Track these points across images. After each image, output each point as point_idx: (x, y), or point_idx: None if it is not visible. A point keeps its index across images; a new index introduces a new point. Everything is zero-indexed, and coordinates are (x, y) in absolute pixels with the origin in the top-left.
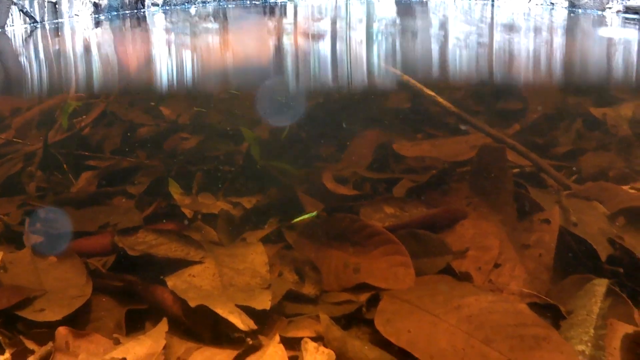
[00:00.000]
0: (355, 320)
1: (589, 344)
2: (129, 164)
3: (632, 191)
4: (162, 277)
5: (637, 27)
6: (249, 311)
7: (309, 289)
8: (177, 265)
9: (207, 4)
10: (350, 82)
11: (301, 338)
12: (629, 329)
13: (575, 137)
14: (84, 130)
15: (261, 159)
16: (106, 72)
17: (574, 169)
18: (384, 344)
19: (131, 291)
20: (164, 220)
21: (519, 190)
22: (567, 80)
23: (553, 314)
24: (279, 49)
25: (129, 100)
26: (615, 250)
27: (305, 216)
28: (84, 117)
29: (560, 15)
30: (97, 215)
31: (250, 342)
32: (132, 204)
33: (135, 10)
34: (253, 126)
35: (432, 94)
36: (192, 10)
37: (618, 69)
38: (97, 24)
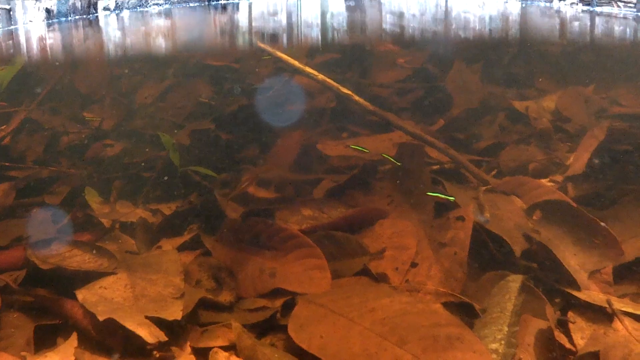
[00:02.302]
0: (271, 326)
1: (502, 342)
2: (49, 173)
3: (550, 184)
4: (73, 290)
5: (589, 18)
6: (161, 322)
7: (225, 296)
8: (90, 277)
9: (160, 6)
10: None
11: (213, 348)
12: (543, 324)
13: (497, 131)
14: (4, 140)
15: (181, 165)
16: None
17: (494, 163)
18: (297, 350)
19: (42, 306)
20: (80, 231)
21: (435, 188)
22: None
23: (468, 313)
24: None
25: (53, 106)
26: (531, 245)
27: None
28: (4, 126)
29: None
30: (10, 229)
31: (158, 355)
32: (48, 215)
33: (88, 15)
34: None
35: (350, 92)
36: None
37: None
38: (48, 30)
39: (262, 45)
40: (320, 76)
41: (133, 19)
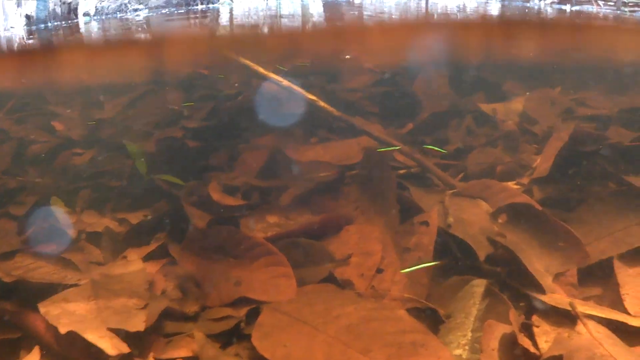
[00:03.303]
0: (236, 336)
1: (467, 348)
2: (16, 184)
3: (516, 187)
4: (36, 302)
5: (568, 17)
6: (125, 333)
7: (190, 306)
8: (54, 289)
9: (140, 11)
10: None
11: (177, 359)
12: (508, 329)
13: (464, 134)
14: None
15: (149, 173)
16: None
17: (461, 167)
18: None
19: (5, 320)
20: (45, 242)
21: (402, 193)
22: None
23: (433, 319)
24: None
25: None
26: (496, 249)
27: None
28: None
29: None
30: None
31: None
32: (13, 227)
33: (68, 21)
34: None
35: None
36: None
37: None
38: (28, 36)
39: (227, 53)
40: (285, 82)
41: (112, 25)
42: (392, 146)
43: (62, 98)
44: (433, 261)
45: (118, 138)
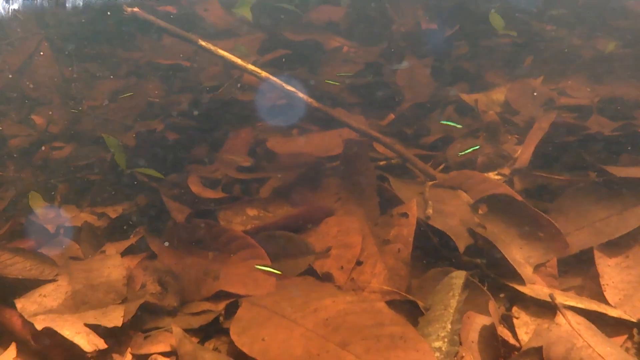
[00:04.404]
0: (215, 330)
1: (446, 340)
2: None
3: (497, 177)
4: (13, 299)
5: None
6: (103, 329)
7: (169, 301)
8: (31, 285)
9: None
10: None
11: (154, 354)
12: (487, 320)
13: (446, 125)
14: None
15: (128, 166)
16: None
17: (442, 157)
18: (240, 354)
19: None
20: (23, 238)
21: (382, 184)
22: None
23: (412, 311)
24: None
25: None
26: (476, 240)
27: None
28: None
29: None
30: None
31: None
32: None
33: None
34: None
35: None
36: None
37: None
38: None
39: (203, 43)
40: (264, 74)
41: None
42: (372, 138)
43: (43, 91)
44: (412, 252)
45: (99, 131)
